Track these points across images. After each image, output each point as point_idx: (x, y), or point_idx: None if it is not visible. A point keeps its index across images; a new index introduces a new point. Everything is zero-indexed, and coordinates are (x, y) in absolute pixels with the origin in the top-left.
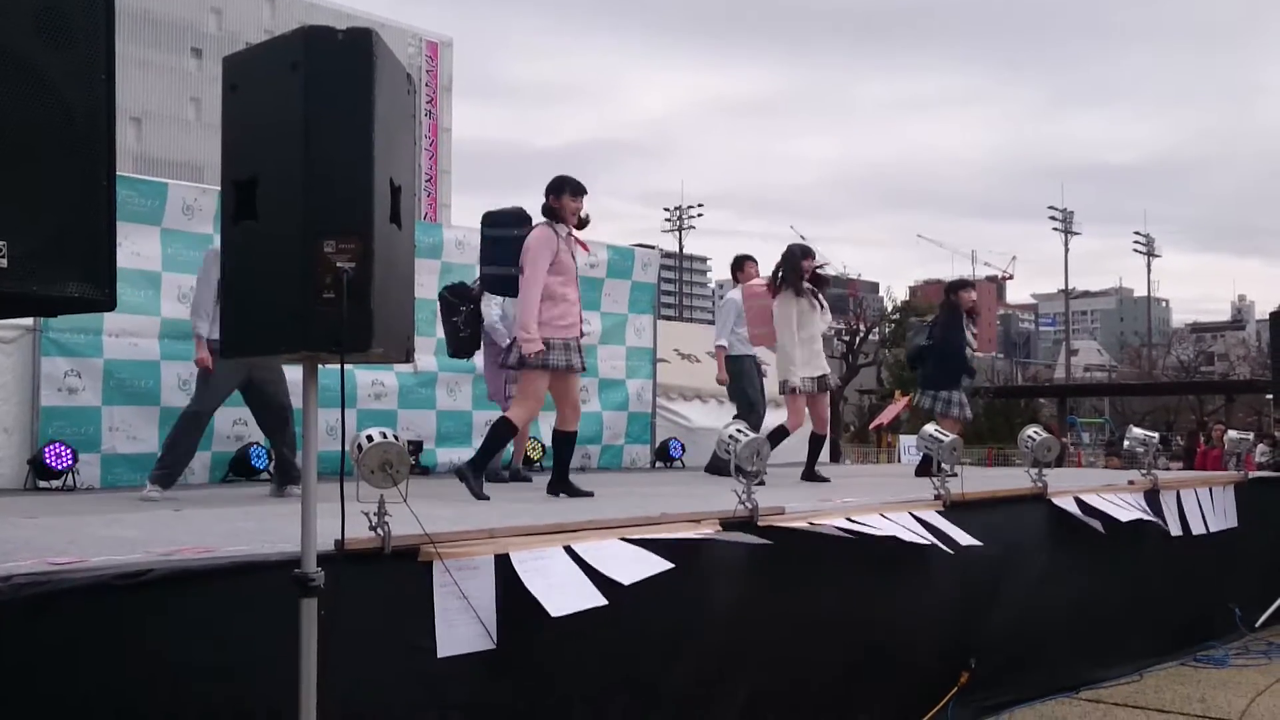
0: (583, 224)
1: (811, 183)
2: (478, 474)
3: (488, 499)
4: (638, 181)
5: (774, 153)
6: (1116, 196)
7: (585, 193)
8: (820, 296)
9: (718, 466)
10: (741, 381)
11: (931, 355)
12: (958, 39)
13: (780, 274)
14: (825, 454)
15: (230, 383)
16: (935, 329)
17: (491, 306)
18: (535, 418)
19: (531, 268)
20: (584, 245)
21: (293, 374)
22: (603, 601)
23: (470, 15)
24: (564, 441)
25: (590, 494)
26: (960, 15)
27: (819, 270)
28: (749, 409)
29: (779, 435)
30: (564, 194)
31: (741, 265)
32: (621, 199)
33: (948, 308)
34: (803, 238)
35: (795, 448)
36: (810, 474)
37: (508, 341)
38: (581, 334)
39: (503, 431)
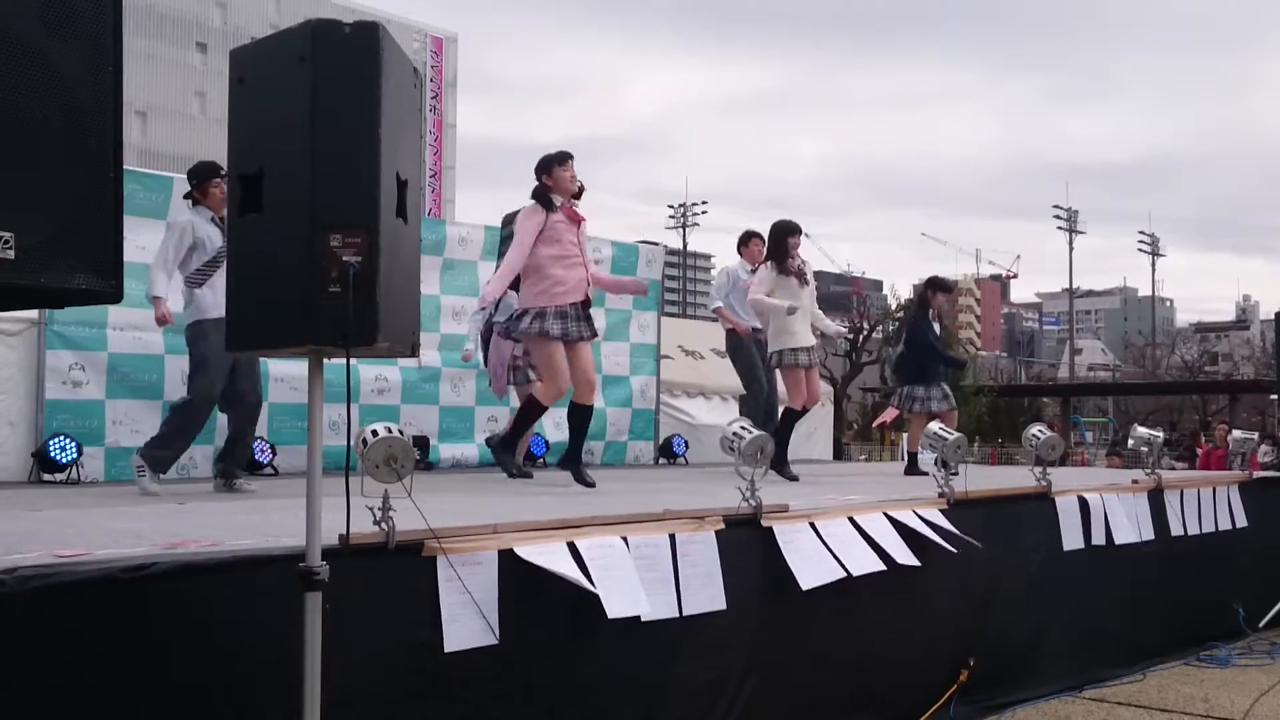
0: (577, 194)
1: (813, 180)
2: (508, 450)
3: (529, 476)
4: (638, 178)
5: (775, 150)
6: (1119, 194)
7: (571, 157)
8: (807, 273)
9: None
10: (743, 356)
11: (903, 354)
12: (958, 35)
13: (765, 251)
14: (827, 452)
15: (227, 361)
16: (902, 327)
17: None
18: (563, 394)
19: (513, 247)
20: (577, 217)
21: (298, 368)
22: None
23: (470, 11)
24: (576, 414)
25: (592, 484)
26: (960, 11)
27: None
28: (751, 383)
29: (789, 418)
30: (552, 167)
31: (747, 241)
32: (622, 196)
33: (917, 303)
34: (807, 236)
35: (802, 445)
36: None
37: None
38: (587, 300)
39: (530, 409)
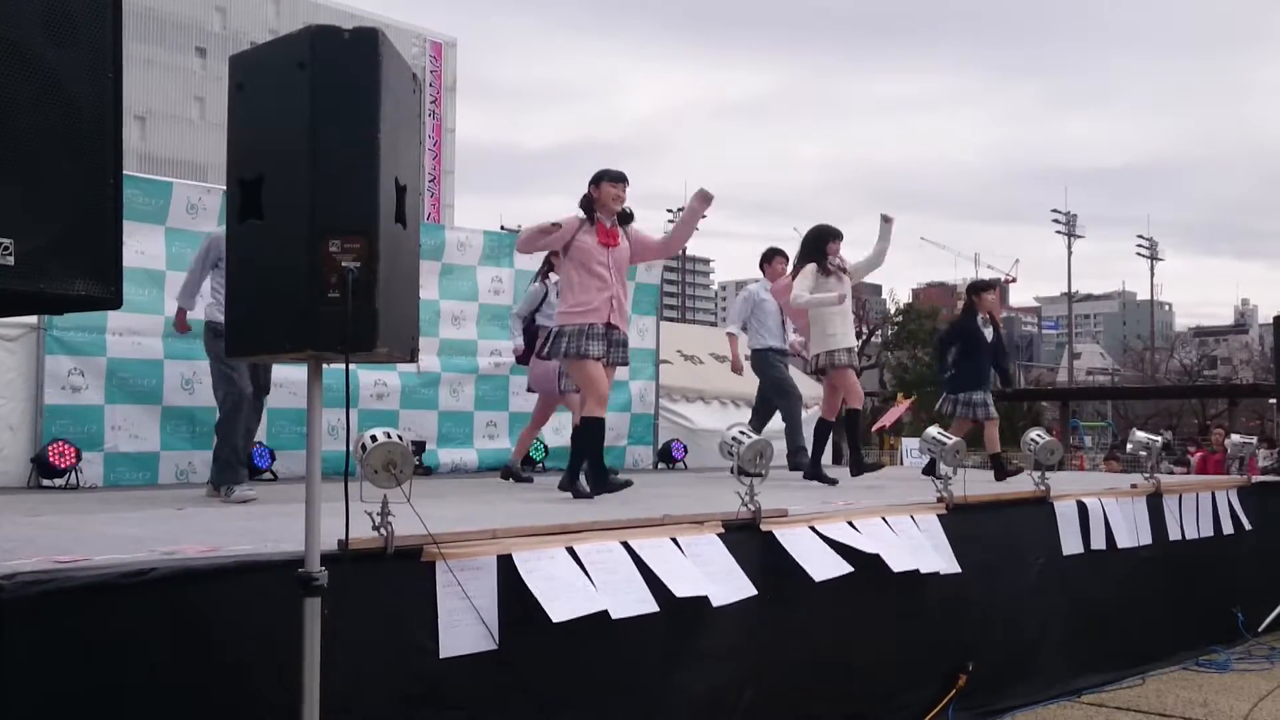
0: (625, 217)
1: (810, 184)
2: (600, 477)
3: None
4: (636, 183)
5: (773, 154)
6: (1118, 199)
7: (624, 180)
8: (844, 272)
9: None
10: (769, 371)
11: (954, 359)
12: (955, 39)
13: (802, 251)
14: (828, 456)
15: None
16: (955, 333)
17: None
18: (606, 401)
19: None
20: (614, 239)
21: (297, 373)
22: (604, 607)
23: (467, 16)
24: (582, 430)
25: (590, 495)
26: (958, 15)
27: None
28: (784, 394)
29: (825, 428)
30: (602, 182)
31: (771, 259)
32: None
33: (966, 309)
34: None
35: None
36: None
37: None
38: (610, 324)
39: (591, 429)
